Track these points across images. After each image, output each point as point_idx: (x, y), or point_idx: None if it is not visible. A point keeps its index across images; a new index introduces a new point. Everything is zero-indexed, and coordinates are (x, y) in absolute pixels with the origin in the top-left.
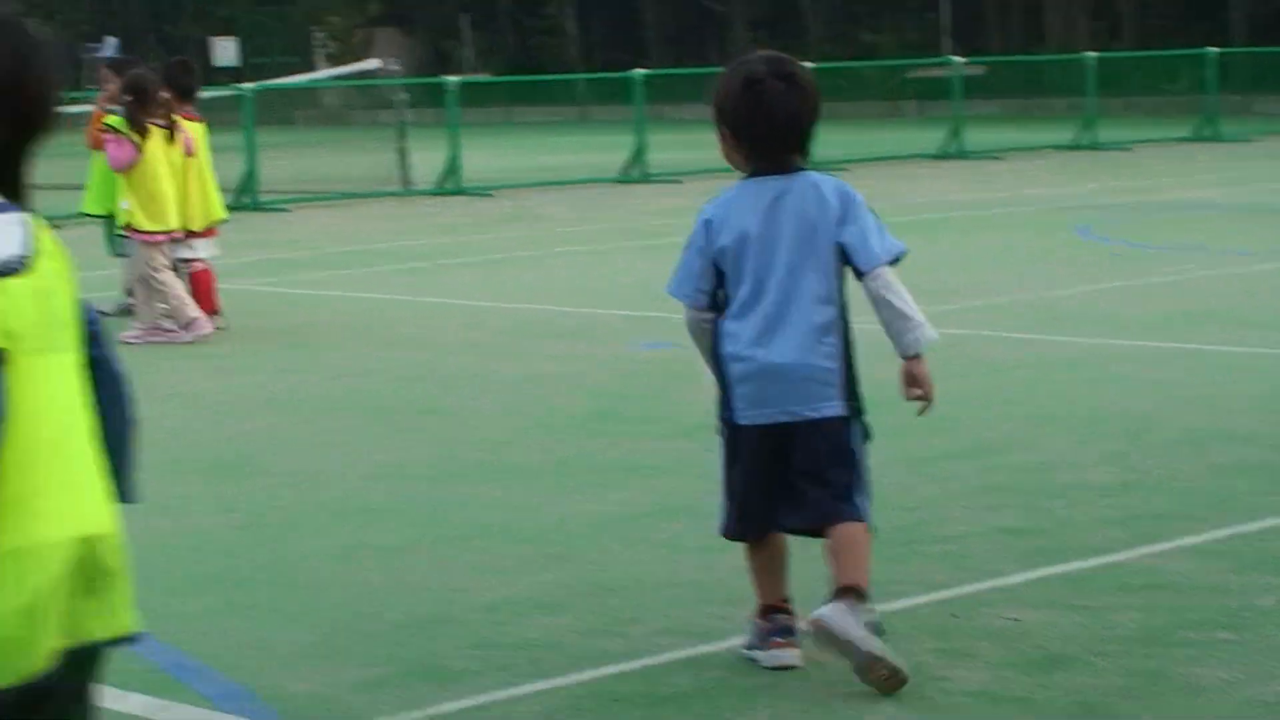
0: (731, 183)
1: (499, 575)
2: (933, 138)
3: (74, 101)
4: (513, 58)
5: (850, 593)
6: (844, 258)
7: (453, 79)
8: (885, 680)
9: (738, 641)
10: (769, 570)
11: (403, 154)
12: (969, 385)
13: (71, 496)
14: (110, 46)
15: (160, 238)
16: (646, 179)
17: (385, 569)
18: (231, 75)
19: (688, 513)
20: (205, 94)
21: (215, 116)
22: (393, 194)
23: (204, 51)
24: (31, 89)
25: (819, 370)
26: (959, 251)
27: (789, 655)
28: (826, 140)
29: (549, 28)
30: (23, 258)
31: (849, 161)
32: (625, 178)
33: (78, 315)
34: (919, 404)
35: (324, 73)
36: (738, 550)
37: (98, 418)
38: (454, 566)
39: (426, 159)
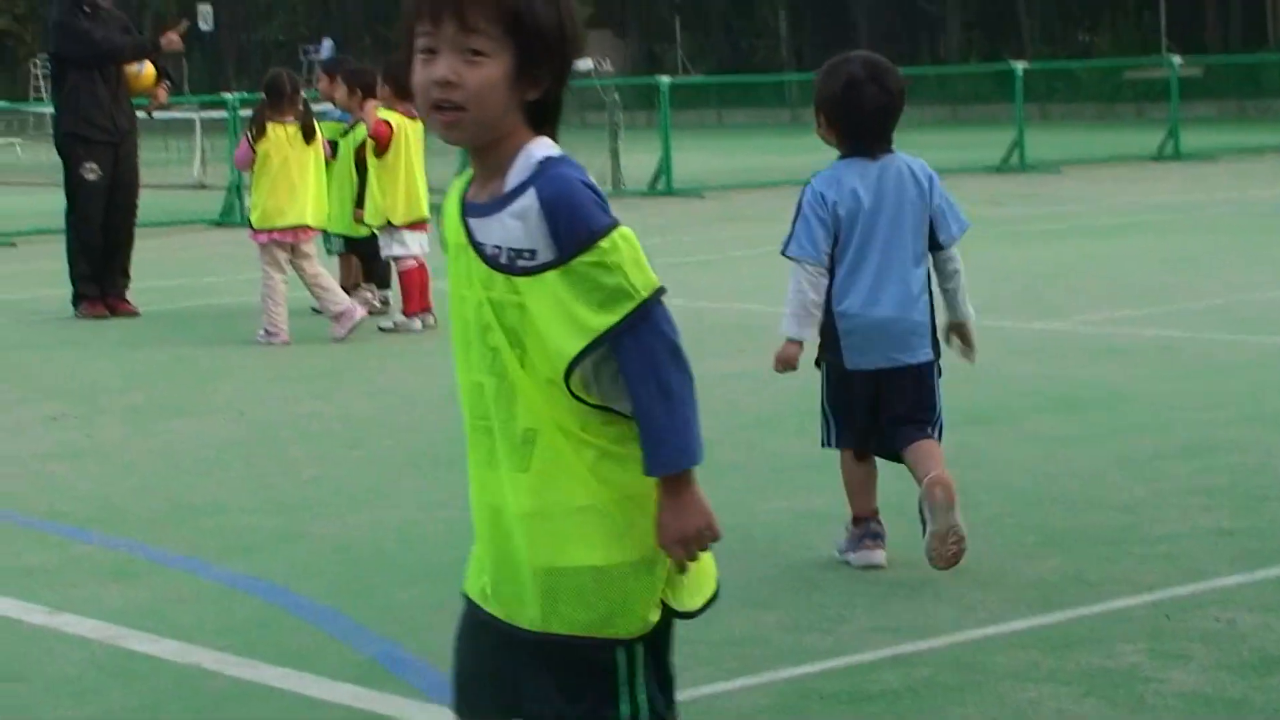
0: None
1: None
2: (1149, 140)
3: None
4: (723, 59)
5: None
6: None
7: (665, 79)
8: (954, 552)
9: (944, 640)
10: (864, 485)
11: (615, 155)
12: (1184, 387)
13: None
14: (326, 48)
15: (264, 237)
16: None
17: None
18: None
19: (894, 512)
20: None
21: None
22: (606, 194)
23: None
24: (572, 42)
25: (916, 324)
26: (1174, 253)
27: (877, 556)
28: (1040, 141)
29: (760, 29)
30: None
31: (1063, 163)
32: None
33: None
34: (965, 355)
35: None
36: None
37: None
38: None
39: (637, 160)
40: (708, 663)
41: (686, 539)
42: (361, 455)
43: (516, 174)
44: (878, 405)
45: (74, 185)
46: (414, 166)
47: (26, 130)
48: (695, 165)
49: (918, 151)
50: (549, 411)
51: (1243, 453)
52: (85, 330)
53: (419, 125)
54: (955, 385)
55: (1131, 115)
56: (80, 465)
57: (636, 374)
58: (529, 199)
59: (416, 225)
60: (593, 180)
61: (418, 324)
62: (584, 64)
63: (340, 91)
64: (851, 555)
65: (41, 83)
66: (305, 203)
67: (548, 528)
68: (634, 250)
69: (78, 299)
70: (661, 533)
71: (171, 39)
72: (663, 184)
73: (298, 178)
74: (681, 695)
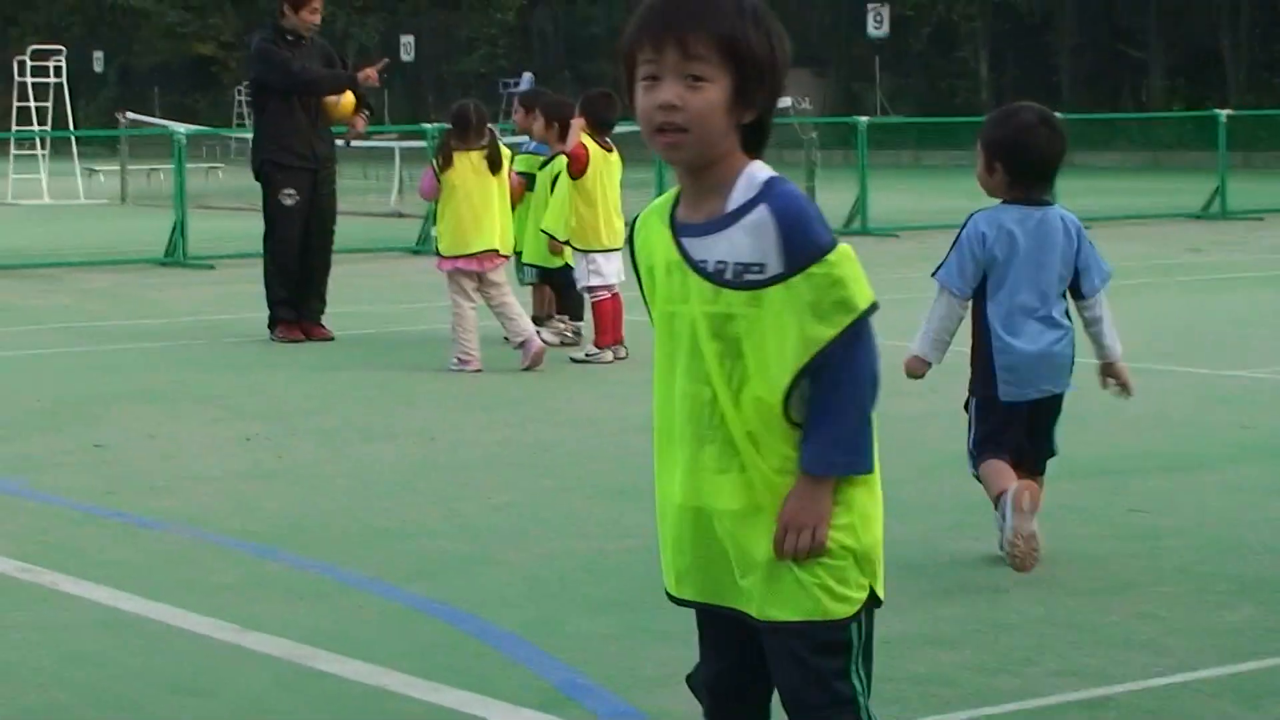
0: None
1: (892, 609)
2: None
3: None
4: (922, 100)
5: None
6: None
7: (863, 119)
8: (1035, 557)
9: (1132, 686)
10: (1004, 471)
11: (810, 192)
12: None
13: None
14: (526, 80)
15: (449, 265)
16: None
17: None
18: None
19: (1085, 559)
20: (621, 129)
21: (628, 151)
22: None
23: (620, 88)
24: (783, 68)
25: (1065, 358)
26: None
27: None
28: (1242, 189)
29: (960, 70)
30: None
31: (1266, 211)
32: None
33: None
34: (1122, 393)
35: None
36: (1135, 596)
37: None
38: None
39: (833, 198)
40: (893, 701)
41: (800, 528)
42: (551, 484)
43: (740, 193)
44: (1031, 430)
45: (271, 210)
46: (609, 195)
47: (229, 155)
48: (891, 205)
49: (1119, 197)
50: (756, 419)
51: None
52: (280, 353)
53: (615, 160)
54: (1150, 431)
55: None
56: (272, 486)
57: (835, 380)
58: (760, 214)
59: (613, 253)
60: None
61: (609, 355)
62: (783, 102)
63: (538, 124)
64: (1006, 525)
65: (244, 109)
66: (491, 231)
67: (760, 523)
68: (854, 266)
69: (274, 322)
70: (784, 512)
71: (369, 75)
72: (858, 223)
73: (482, 207)
74: None
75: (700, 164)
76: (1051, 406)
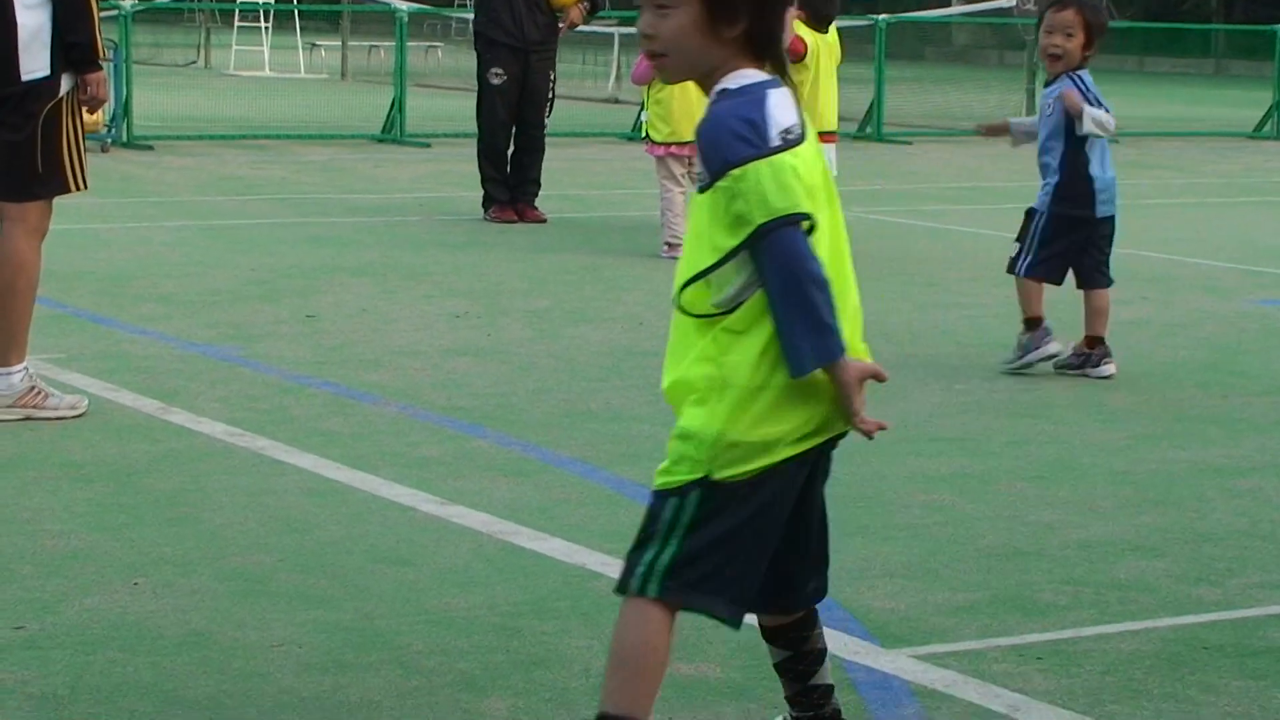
0: None
1: (1095, 514)
2: None
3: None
4: (1150, 6)
5: None
6: None
7: None
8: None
9: None
10: (1040, 294)
11: (1031, 95)
12: None
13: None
14: None
15: (660, 150)
16: (1279, 135)
17: (975, 499)
18: (866, 6)
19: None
20: (841, 22)
21: (849, 48)
22: None
23: None
24: None
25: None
26: None
27: (1054, 345)
28: None
29: None
30: (801, 124)
31: None
32: (1256, 134)
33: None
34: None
35: (957, 8)
36: None
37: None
38: (1048, 500)
39: None
40: (1092, 605)
41: (852, 413)
42: None
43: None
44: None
45: (481, 88)
46: (821, 83)
47: (449, 35)
48: (1117, 111)
49: None
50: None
51: None
52: (493, 233)
53: (834, 46)
54: None
55: None
56: (480, 364)
57: (769, 290)
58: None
59: (825, 138)
60: (759, 113)
61: None
62: (1007, 1)
63: None
64: (1033, 353)
65: None
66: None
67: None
68: (762, 183)
69: (488, 202)
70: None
71: (572, 20)
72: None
73: (695, 95)
74: (1064, 634)
75: (693, 79)
76: (1114, 224)
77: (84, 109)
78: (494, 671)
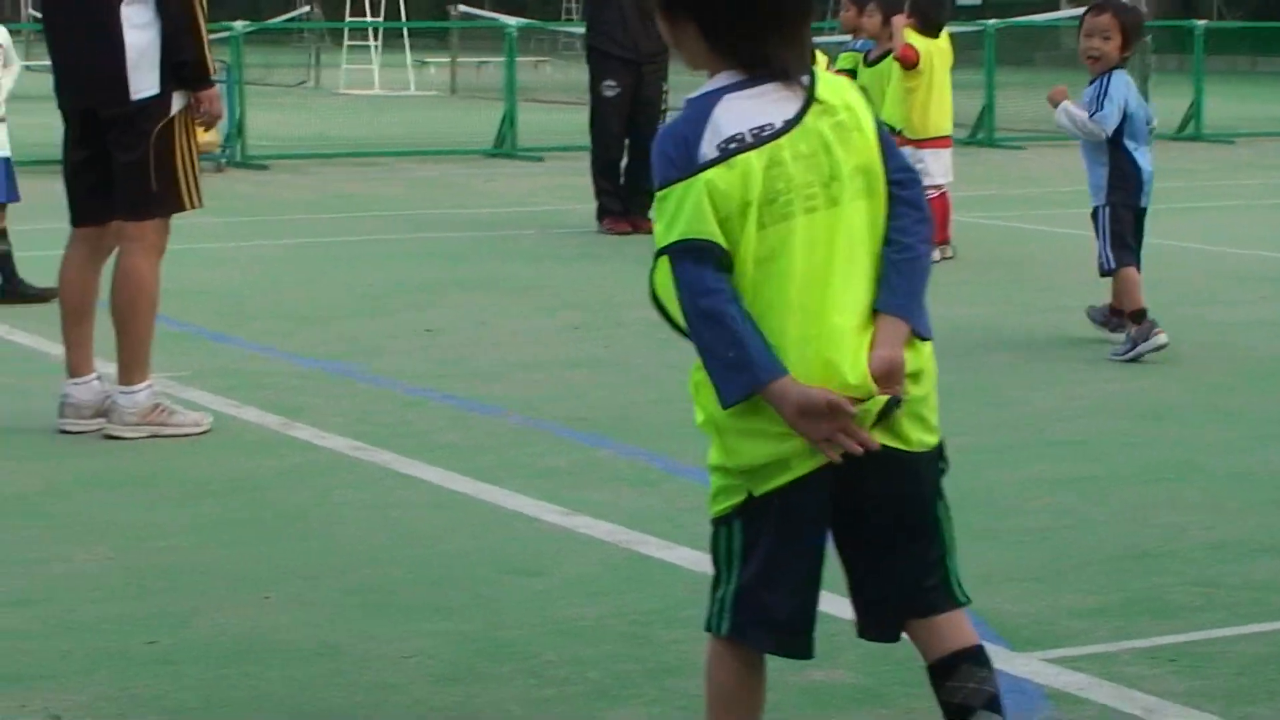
0: None
1: (1223, 515)
2: None
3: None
4: (1262, 5)
5: None
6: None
7: (1200, 23)
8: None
9: None
10: (1140, 286)
11: (1144, 97)
12: None
13: (823, 338)
14: None
15: None
16: None
17: (1100, 502)
18: (975, 12)
19: None
20: (950, 29)
21: (958, 54)
22: None
23: None
24: None
25: None
26: None
27: (1163, 337)
28: None
29: None
30: (789, 121)
31: None
32: None
33: (874, 161)
34: None
35: (1065, 12)
36: None
37: (890, 238)
38: (1174, 502)
39: (1168, 104)
40: (1226, 606)
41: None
42: None
43: None
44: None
45: (595, 101)
46: (934, 87)
47: (557, 49)
48: (1226, 111)
49: None
50: None
51: None
52: (607, 245)
53: (946, 50)
54: None
55: None
56: (599, 375)
57: None
58: None
59: (939, 142)
60: (695, 128)
61: (936, 255)
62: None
63: (871, 20)
64: (1143, 344)
65: (573, 4)
66: None
67: None
68: (665, 208)
69: (601, 213)
70: None
71: None
72: (1192, 128)
73: None
74: (1198, 635)
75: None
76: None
77: (199, 126)
78: (625, 680)
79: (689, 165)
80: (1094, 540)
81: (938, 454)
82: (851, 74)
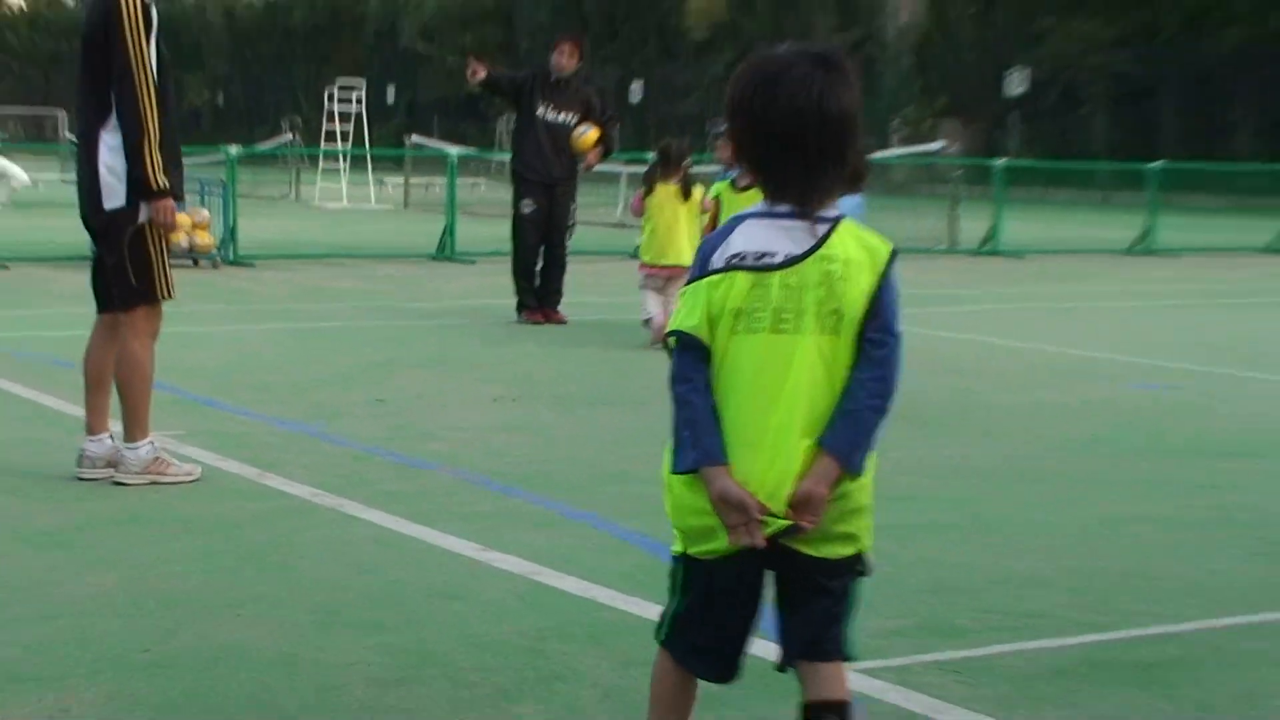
0: None
1: (1004, 556)
2: None
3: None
4: (1052, 146)
5: None
6: None
7: (999, 161)
8: None
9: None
10: None
11: (952, 220)
12: None
13: (759, 445)
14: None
15: (645, 270)
16: (1150, 252)
17: (906, 545)
18: None
19: (1158, 521)
20: None
21: None
22: (942, 251)
23: None
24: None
25: None
26: None
27: None
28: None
29: (1084, 124)
30: (793, 257)
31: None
32: (1131, 250)
33: (855, 310)
34: None
35: (895, 150)
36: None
37: (850, 389)
38: (964, 546)
39: (972, 225)
40: (998, 628)
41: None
42: None
43: None
44: None
45: (515, 216)
46: None
47: (489, 172)
48: (1021, 232)
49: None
50: None
51: None
52: (525, 333)
53: None
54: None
55: None
56: (516, 437)
57: None
58: None
59: None
60: (717, 242)
61: None
62: (936, 145)
63: (727, 153)
64: None
65: (504, 136)
66: (681, 248)
67: None
68: (684, 300)
69: (520, 307)
70: None
71: (590, 162)
72: (990, 246)
73: (675, 227)
74: (973, 652)
75: None
76: None
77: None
78: (523, 685)
79: (703, 269)
80: (900, 576)
81: (856, 559)
82: (716, 198)
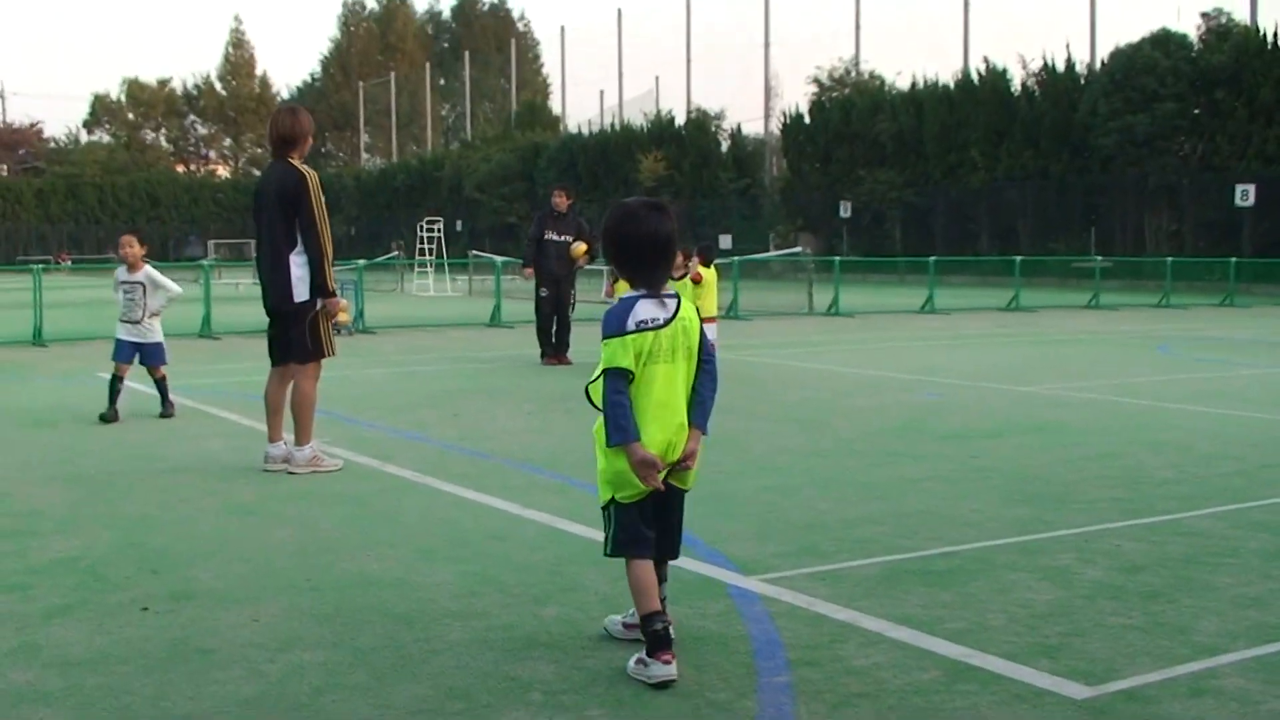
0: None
1: (850, 504)
2: (1083, 297)
3: None
4: (868, 249)
5: None
6: None
7: (837, 258)
8: None
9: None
10: None
11: (810, 294)
12: (1103, 423)
13: (663, 426)
14: None
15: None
16: (931, 311)
17: (790, 498)
18: (726, 254)
19: (942, 479)
20: (717, 262)
21: (719, 276)
22: (802, 313)
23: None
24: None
25: None
26: (1091, 355)
27: None
28: (1029, 295)
29: (887, 235)
30: (667, 320)
31: (1042, 307)
32: (920, 310)
33: (695, 345)
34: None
35: (772, 253)
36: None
37: (696, 389)
38: (823, 498)
39: (822, 296)
40: (848, 550)
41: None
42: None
43: None
44: None
45: (536, 298)
46: (709, 292)
47: (520, 272)
48: (853, 300)
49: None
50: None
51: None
52: (545, 371)
53: (713, 274)
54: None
55: (1073, 285)
56: (541, 436)
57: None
58: None
59: (711, 320)
60: (628, 312)
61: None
62: (798, 249)
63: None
64: None
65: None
66: None
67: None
68: (607, 352)
69: (542, 355)
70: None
71: (581, 263)
72: (834, 309)
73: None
74: (833, 566)
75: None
76: None
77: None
78: (549, 593)
79: (621, 330)
80: (783, 519)
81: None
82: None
